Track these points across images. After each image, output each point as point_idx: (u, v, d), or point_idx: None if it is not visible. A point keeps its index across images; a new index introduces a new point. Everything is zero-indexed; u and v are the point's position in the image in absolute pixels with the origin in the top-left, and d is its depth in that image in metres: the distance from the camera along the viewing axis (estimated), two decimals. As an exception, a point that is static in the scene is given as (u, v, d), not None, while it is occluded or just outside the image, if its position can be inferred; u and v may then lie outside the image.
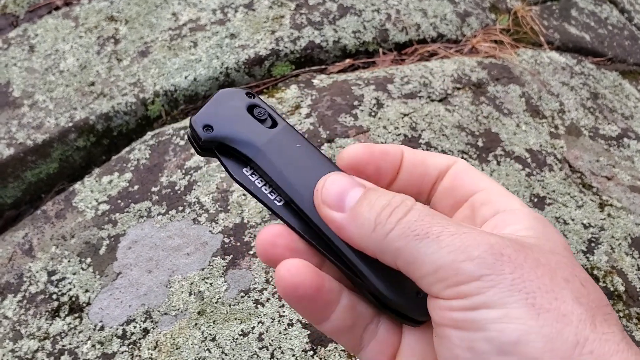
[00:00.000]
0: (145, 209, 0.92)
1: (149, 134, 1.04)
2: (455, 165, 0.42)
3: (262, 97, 1.07)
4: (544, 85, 1.28)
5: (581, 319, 0.31)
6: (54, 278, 0.88)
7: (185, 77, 1.11)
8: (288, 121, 0.42)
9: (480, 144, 1.04)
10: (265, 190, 0.40)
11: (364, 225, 0.36)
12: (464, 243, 0.33)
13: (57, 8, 1.34)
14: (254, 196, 0.40)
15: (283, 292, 0.38)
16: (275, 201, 0.40)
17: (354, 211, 0.36)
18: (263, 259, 0.40)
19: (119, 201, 0.94)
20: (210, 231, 0.87)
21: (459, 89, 1.14)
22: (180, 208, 0.91)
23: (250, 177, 0.40)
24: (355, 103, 1.03)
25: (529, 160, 1.05)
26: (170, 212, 0.91)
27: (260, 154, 0.40)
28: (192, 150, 0.97)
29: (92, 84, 1.13)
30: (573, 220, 0.98)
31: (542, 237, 0.36)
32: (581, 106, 1.27)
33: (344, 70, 1.17)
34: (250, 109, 0.41)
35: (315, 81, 1.11)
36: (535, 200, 0.99)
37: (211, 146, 0.41)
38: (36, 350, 0.82)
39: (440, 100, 1.09)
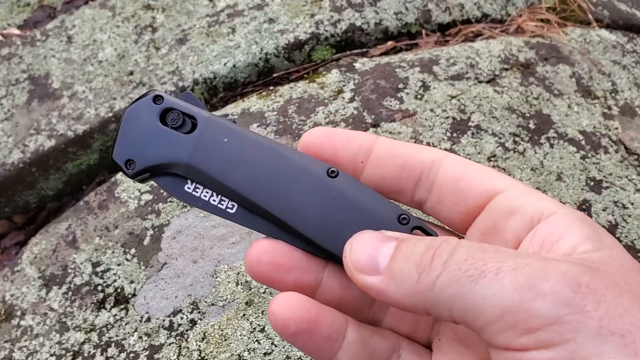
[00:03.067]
0: (188, 198, 0.90)
1: (190, 122, 1.02)
2: (447, 160, 0.36)
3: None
4: (594, 64, 1.22)
5: None
6: (98, 269, 0.87)
7: (224, 64, 1.08)
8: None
9: (531, 126, 0.99)
10: (214, 201, 0.37)
11: (405, 280, 0.30)
12: (531, 276, 0.27)
13: (93, -2, 1.33)
14: (206, 210, 0.37)
15: (276, 330, 0.34)
16: (228, 210, 0.37)
17: (390, 269, 0.31)
18: (254, 278, 0.36)
19: (162, 191, 0.92)
20: (255, 220, 0.85)
21: (506, 69, 1.10)
22: (224, 197, 0.89)
23: (194, 192, 0.37)
24: (400, 86, 1.00)
25: (583, 142, 1.01)
26: (213, 201, 0.88)
27: (190, 167, 0.36)
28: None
29: (131, 73, 1.12)
30: (632, 204, 0.93)
31: (604, 247, 0.30)
32: (635, 85, 1.21)
33: (386, 53, 1.13)
34: (164, 117, 0.37)
35: (357, 65, 1.07)
36: (592, 183, 0.94)
37: (144, 177, 0.38)
38: (83, 342, 0.81)
39: (488, 82, 1.05)
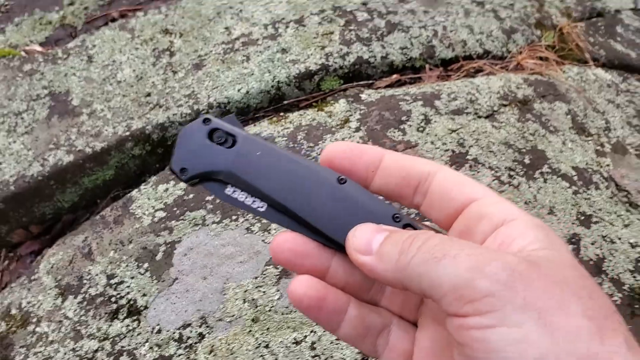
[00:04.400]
0: (200, 217, 0.95)
1: (203, 144, 1.08)
2: (439, 172, 0.45)
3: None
4: (589, 102, 1.28)
5: (591, 333, 0.33)
6: (112, 281, 0.92)
7: (238, 90, 1.14)
8: (255, 131, 0.49)
9: (527, 160, 1.05)
10: (249, 201, 0.46)
11: (389, 259, 0.39)
12: (479, 261, 0.35)
13: (113, 20, 1.40)
14: (242, 208, 0.46)
15: (293, 304, 0.44)
16: (259, 208, 0.46)
17: (380, 250, 0.40)
18: (277, 262, 0.46)
19: (175, 209, 0.98)
20: (263, 240, 0.90)
21: (505, 105, 1.16)
22: (234, 217, 0.94)
23: (232, 194, 0.46)
24: (404, 118, 1.05)
25: (575, 178, 1.06)
26: (224, 220, 0.94)
27: (231, 174, 0.46)
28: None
29: (148, 94, 1.17)
30: (620, 239, 0.98)
31: (550, 248, 0.38)
32: (627, 124, 1.27)
33: (390, 85, 1.19)
34: (211, 135, 0.47)
35: (363, 95, 1.13)
36: (582, 218, 0.99)
37: (195, 181, 0.47)
38: (96, 350, 0.86)
39: (487, 117, 1.11)
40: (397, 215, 0.45)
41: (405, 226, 0.45)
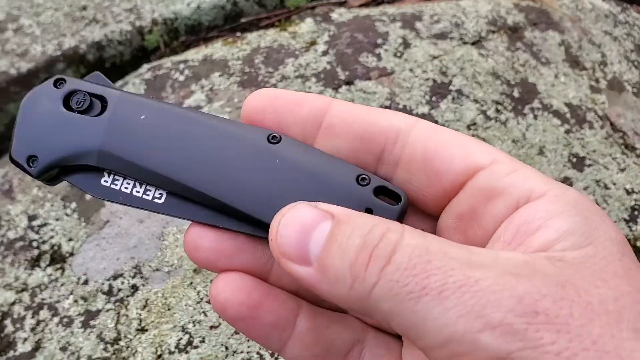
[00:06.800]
0: (139, 151, 0.82)
1: (145, 66, 0.93)
2: (416, 128, 0.30)
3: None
4: (585, 33, 1.15)
5: None
6: (34, 223, 0.79)
7: (188, 5, 0.98)
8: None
9: (516, 94, 0.92)
10: (138, 192, 0.31)
11: (338, 281, 0.25)
12: (479, 301, 0.22)
13: None
14: (129, 205, 0.31)
15: (215, 310, 0.30)
16: (155, 200, 0.31)
17: (322, 262, 0.26)
18: (197, 265, 0.31)
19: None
20: (210, 179, 0.77)
21: (493, 32, 1.02)
22: (178, 151, 0.81)
23: (112, 186, 0.32)
24: (379, 41, 0.92)
25: (568, 115, 0.94)
26: (166, 155, 0.81)
27: (104, 154, 0.31)
28: (193, 87, 0.86)
29: (84, 8, 1.01)
30: (615, 184, 0.88)
31: (590, 243, 0.25)
32: (624, 58, 1.15)
33: (366, 5, 1.05)
34: (67, 102, 0.32)
35: (334, 15, 0.99)
36: (574, 160, 0.88)
37: (52, 174, 0.32)
38: (13, 303, 0.74)
39: (473, 44, 0.98)
40: (363, 176, 0.30)
41: (376, 190, 0.30)
